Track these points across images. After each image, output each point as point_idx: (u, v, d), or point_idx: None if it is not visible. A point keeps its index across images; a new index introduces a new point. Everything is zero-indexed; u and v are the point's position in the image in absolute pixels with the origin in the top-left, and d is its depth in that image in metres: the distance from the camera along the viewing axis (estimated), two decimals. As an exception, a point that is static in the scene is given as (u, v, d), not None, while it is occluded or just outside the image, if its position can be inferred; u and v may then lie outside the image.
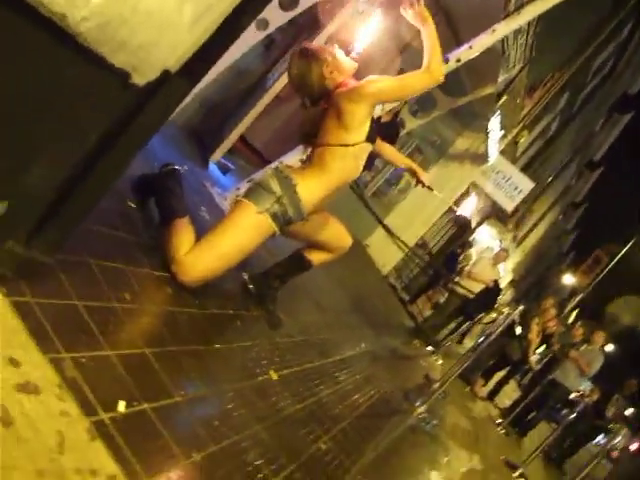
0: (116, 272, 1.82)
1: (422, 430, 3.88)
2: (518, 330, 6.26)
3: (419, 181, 3.01)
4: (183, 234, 2.19)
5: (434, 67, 2.35)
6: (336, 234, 2.73)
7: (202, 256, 2.14)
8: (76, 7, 0.86)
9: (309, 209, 2.38)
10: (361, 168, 2.51)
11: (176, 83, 1.34)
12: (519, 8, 5.13)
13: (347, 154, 2.38)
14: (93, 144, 1.19)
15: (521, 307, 4.54)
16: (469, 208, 11.45)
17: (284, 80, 4.47)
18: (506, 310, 4.78)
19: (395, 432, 3.30)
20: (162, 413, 1.44)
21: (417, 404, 4.13)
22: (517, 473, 5.36)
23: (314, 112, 2.51)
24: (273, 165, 2.43)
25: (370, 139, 2.45)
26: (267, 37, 4.40)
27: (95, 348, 1.42)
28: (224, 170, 4.56)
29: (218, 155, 4.46)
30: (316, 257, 2.75)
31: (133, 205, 2.37)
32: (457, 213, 11.94)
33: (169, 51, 1.15)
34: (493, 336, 4.76)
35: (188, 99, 4.33)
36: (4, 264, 1.29)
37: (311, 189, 2.37)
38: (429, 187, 3.10)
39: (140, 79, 1.12)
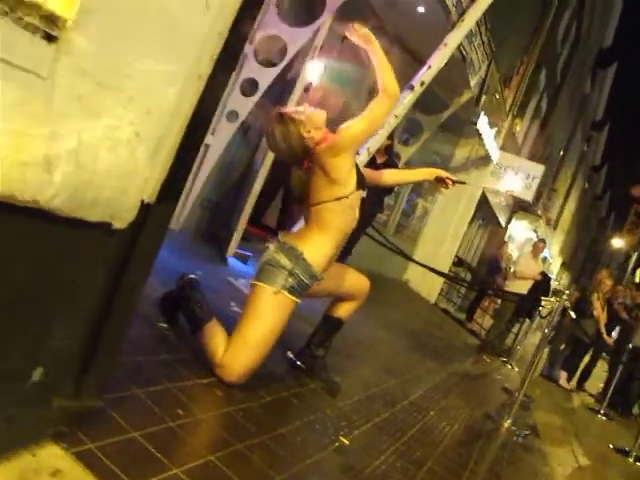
0: (164, 393, 1.90)
1: (515, 444, 3.79)
2: (572, 315, 6.11)
3: (445, 181, 2.95)
4: (215, 337, 2.28)
5: (388, 85, 2.35)
6: (351, 281, 2.76)
7: (239, 353, 2.21)
8: (43, 190, 0.98)
9: (322, 270, 2.43)
10: (358, 215, 2.54)
11: (158, 210, 1.45)
12: (462, 14, 5.29)
13: (344, 207, 2.41)
14: (101, 292, 1.30)
15: (567, 292, 4.46)
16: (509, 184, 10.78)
17: (271, 156, 4.66)
18: (560, 297, 4.68)
19: (487, 456, 3.24)
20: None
21: (502, 419, 4.06)
22: (632, 457, 5.13)
23: (299, 175, 2.53)
24: (273, 240, 2.48)
25: (360, 185, 2.48)
26: (242, 125, 4.63)
27: (163, 471, 1.49)
28: (243, 260, 4.70)
29: (233, 248, 4.60)
30: (343, 311, 2.80)
31: (164, 325, 2.47)
32: (502, 191, 11.47)
33: (139, 191, 1.27)
34: (552, 324, 4.66)
35: (188, 207, 4.54)
36: (58, 421, 1.39)
37: (318, 251, 2.40)
38: (459, 181, 3.04)
39: (121, 223, 1.24)
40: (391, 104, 2.41)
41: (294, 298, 2.35)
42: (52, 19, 0.90)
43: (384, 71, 2.37)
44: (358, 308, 2.84)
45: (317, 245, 2.41)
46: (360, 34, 2.46)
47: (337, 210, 2.41)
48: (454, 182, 2.97)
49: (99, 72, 1.03)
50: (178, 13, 1.19)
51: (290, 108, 2.54)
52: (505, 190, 10.76)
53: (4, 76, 0.88)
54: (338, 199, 2.39)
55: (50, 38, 0.91)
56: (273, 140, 2.46)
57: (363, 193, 2.56)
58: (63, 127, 0.99)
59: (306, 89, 5.32)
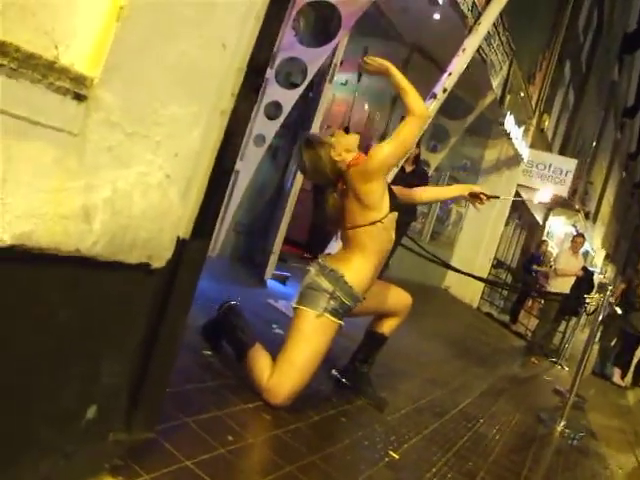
0: (214, 420, 1.94)
1: (570, 448, 3.71)
2: (618, 310, 5.96)
3: (479, 197, 2.90)
4: (260, 362, 2.32)
5: (416, 108, 2.35)
6: (393, 298, 2.77)
7: (284, 376, 2.24)
8: (84, 239, 1.03)
9: (363, 291, 2.45)
10: (394, 236, 2.55)
11: (194, 245, 1.50)
12: (478, 18, 5.29)
13: (379, 230, 2.42)
14: (145, 329, 1.36)
15: (610, 287, 4.37)
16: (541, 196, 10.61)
17: (300, 177, 4.72)
18: (604, 292, 4.58)
19: (541, 462, 3.18)
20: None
21: (555, 423, 3.98)
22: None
23: (334, 197, 2.53)
24: (314, 264, 2.51)
25: (394, 207, 2.48)
26: (269, 147, 4.71)
27: (217, 498, 1.52)
28: (282, 281, 4.76)
29: (270, 270, 4.66)
30: (386, 327, 2.81)
31: (209, 352, 2.52)
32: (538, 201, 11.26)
33: (174, 229, 1.32)
34: (600, 320, 4.56)
35: (223, 233, 4.63)
36: (113, 455, 1.44)
37: (359, 273, 2.42)
38: (493, 196, 3.01)
39: (159, 263, 1.29)
40: (420, 124, 2.42)
41: (337, 320, 2.37)
42: (80, 80, 0.96)
43: (407, 93, 2.38)
44: (401, 323, 2.85)
45: (357, 267, 2.43)
46: (375, 66, 2.51)
47: (373, 233, 2.42)
48: (488, 197, 2.92)
49: (127, 123, 1.09)
50: (197, 56, 1.25)
51: (319, 133, 2.56)
52: (538, 202, 10.60)
53: (40, 137, 0.94)
54: (372, 223, 2.41)
55: (79, 97, 0.97)
56: (303, 165, 2.48)
57: (397, 214, 2.54)
58: (97, 178, 1.05)
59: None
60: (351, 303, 2.41)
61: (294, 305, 2.42)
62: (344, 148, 2.43)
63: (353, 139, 2.50)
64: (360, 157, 2.44)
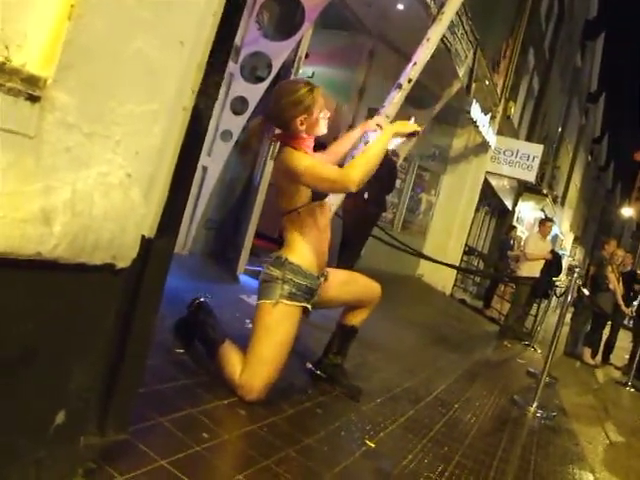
0: (188, 418, 1.94)
1: (544, 427, 3.79)
2: (585, 291, 6.09)
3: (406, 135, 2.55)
4: (231, 358, 2.32)
5: (351, 173, 2.22)
6: (363, 288, 2.78)
7: (254, 371, 2.25)
8: (44, 242, 1.02)
9: (315, 267, 2.44)
10: (327, 220, 2.53)
11: (159, 243, 1.49)
12: (441, 7, 5.32)
13: (304, 216, 2.41)
14: (113, 331, 1.35)
15: (577, 270, 4.45)
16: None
17: (269, 171, 4.71)
18: (572, 274, 4.67)
19: (516, 442, 3.25)
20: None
21: (528, 404, 4.06)
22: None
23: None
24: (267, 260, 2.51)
25: (317, 197, 2.45)
26: (237, 142, 4.69)
27: (194, 496, 1.52)
28: (254, 276, 4.74)
29: (242, 265, 4.65)
30: (356, 319, 2.82)
31: (181, 350, 2.51)
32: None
33: (138, 228, 1.31)
34: (570, 302, 4.64)
35: (193, 229, 4.59)
36: (86, 459, 1.43)
37: (300, 251, 2.42)
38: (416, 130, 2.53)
39: (124, 263, 1.28)
40: (341, 187, 2.34)
41: (296, 303, 2.37)
42: (33, 81, 0.95)
43: (363, 161, 2.26)
44: (370, 313, 2.87)
45: (297, 246, 2.43)
46: (371, 126, 2.53)
47: (302, 216, 2.42)
48: (415, 134, 2.54)
49: (84, 123, 1.07)
50: (154, 54, 1.24)
51: (323, 93, 2.43)
52: (506, 173, 10.72)
53: (-6, 140, 0.92)
54: (290, 212, 2.42)
55: (33, 99, 0.96)
56: (277, 92, 2.41)
57: (325, 203, 2.55)
58: (56, 180, 1.04)
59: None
60: (307, 281, 2.41)
61: (255, 303, 2.43)
62: (310, 125, 2.37)
63: (320, 130, 2.43)
64: (306, 145, 2.39)
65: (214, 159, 4.60)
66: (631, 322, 9.09)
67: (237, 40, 4.51)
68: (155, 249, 1.47)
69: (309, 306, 2.45)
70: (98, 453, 1.48)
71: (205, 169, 4.58)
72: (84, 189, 1.12)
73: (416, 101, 7.87)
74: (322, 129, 2.45)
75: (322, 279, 2.52)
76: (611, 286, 7.87)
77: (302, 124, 2.36)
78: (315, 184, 2.33)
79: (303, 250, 2.44)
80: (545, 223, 8.49)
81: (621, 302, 8.00)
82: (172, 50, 1.29)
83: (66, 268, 1.11)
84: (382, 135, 2.43)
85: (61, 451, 1.36)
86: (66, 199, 1.07)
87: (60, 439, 1.33)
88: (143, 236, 1.41)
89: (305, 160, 2.29)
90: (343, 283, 2.67)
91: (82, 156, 1.09)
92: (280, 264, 2.40)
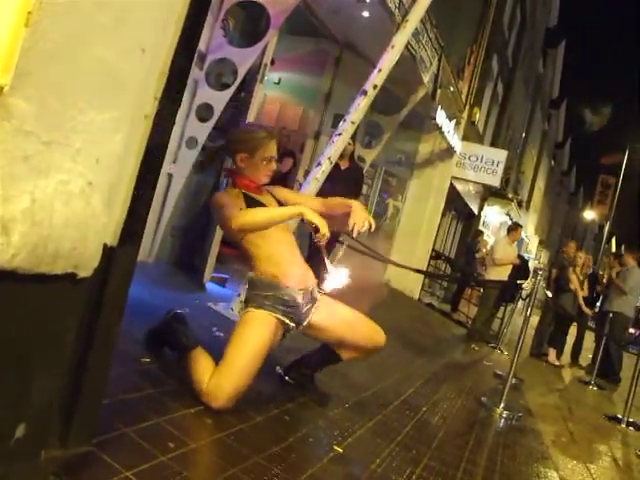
0: (154, 428, 1.91)
1: (510, 428, 3.85)
2: (548, 293, 6.23)
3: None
4: (200, 364, 2.30)
5: (240, 218, 2.32)
6: (366, 336, 2.70)
7: (224, 378, 2.22)
8: (2, 252, 1.00)
9: (277, 279, 2.43)
10: (285, 233, 2.56)
11: (122, 251, 1.48)
12: (405, 15, 5.38)
13: (254, 237, 2.43)
14: (76, 342, 1.33)
15: (540, 272, 4.56)
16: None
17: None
18: (535, 277, 4.77)
19: (483, 443, 3.29)
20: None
21: (495, 405, 4.12)
22: (624, 423, 5.23)
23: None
24: None
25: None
26: (202, 149, 4.66)
27: (160, 507, 1.51)
28: (221, 283, 4.72)
29: (209, 273, 4.62)
30: (347, 354, 2.75)
31: (147, 360, 2.48)
32: None
33: (99, 237, 1.30)
34: (535, 304, 4.74)
35: (159, 237, 4.54)
36: (48, 473, 1.40)
37: (261, 266, 2.45)
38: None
39: (86, 272, 1.26)
40: (226, 228, 2.40)
41: (274, 314, 2.39)
42: (-12, 88, 0.93)
43: (257, 212, 2.39)
44: (362, 359, 2.84)
45: (258, 263, 2.46)
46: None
47: (260, 234, 2.43)
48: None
49: (43, 131, 1.06)
50: (114, 61, 1.23)
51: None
52: (471, 178, 10.88)
53: (-52, 149, 0.90)
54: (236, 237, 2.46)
55: (-11, 106, 0.94)
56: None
57: None
58: (14, 189, 1.02)
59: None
60: (275, 292, 2.41)
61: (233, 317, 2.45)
62: (247, 167, 2.53)
63: (258, 180, 2.55)
64: (243, 181, 2.52)
65: (179, 166, 4.57)
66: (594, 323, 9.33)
67: (202, 47, 4.50)
68: (118, 257, 1.46)
69: (291, 323, 2.46)
70: (60, 466, 1.45)
71: (170, 176, 4.55)
72: (44, 198, 1.10)
73: (383, 107, 7.96)
74: (262, 177, 2.55)
75: (306, 294, 2.51)
76: (572, 286, 8.04)
77: (242, 161, 2.51)
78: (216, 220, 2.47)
79: (264, 264, 2.46)
80: (516, 229, 8.55)
81: (582, 302, 8.18)
82: (133, 57, 1.29)
83: (25, 278, 1.10)
84: (293, 209, 2.41)
85: (21, 466, 1.33)
86: (25, 208, 1.05)
87: (20, 453, 1.30)
88: (105, 244, 1.40)
89: (223, 199, 2.44)
90: (346, 323, 2.64)
91: (41, 165, 1.07)
92: (253, 286, 2.43)
